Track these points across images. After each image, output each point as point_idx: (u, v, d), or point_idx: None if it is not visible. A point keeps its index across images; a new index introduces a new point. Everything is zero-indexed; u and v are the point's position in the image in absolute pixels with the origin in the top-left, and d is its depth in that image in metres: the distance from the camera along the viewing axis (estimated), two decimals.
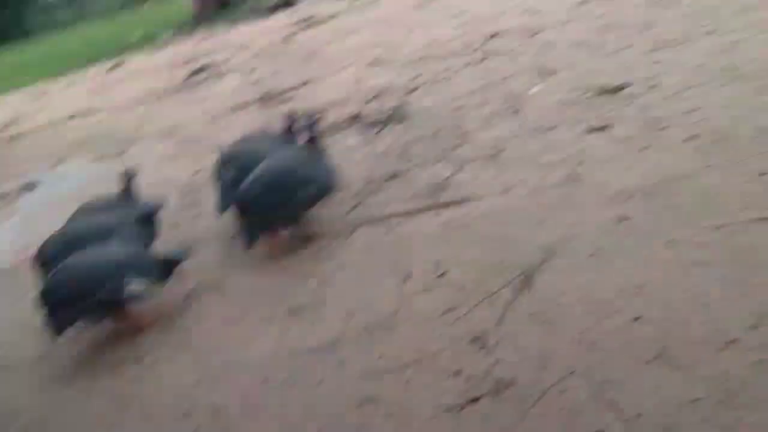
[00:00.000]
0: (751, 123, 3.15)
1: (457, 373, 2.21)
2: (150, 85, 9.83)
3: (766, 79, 3.52)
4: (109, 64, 12.90)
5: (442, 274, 2.78)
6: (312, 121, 3.41)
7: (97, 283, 2.92)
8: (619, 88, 4.04)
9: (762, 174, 2.75)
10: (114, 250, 3.06)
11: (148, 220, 3.51)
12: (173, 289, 3.25)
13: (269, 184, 3.20)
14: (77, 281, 2.94)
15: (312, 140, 3.40)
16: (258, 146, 3.75)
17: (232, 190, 3.46)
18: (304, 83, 6.86)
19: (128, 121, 7.77)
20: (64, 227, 3.53)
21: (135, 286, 2.98)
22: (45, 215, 5.29)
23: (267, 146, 3.68)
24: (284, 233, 3.48)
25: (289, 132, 3.79)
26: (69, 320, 2.98)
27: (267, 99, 6.72)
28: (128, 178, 3.63)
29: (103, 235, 3.18)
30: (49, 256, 3.25)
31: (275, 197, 3.18)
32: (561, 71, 4.65)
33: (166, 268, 3.13)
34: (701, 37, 4.39)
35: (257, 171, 3.26)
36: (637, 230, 2.66)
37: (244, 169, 3.39)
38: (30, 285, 3.37)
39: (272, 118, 5.90)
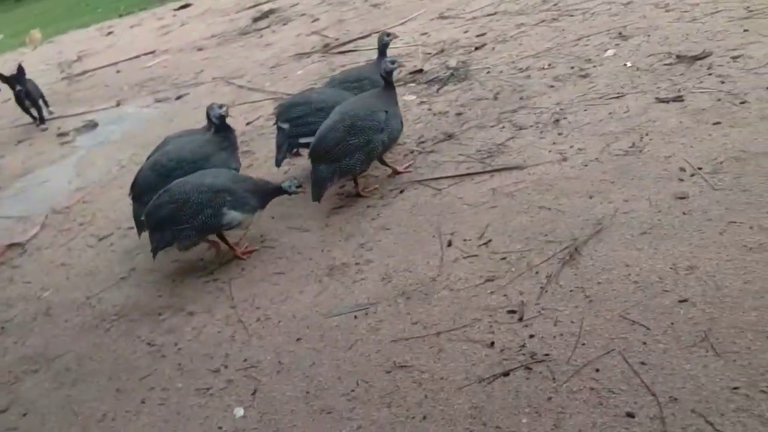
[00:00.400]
0: None
1: (491, 344, 2.21)
2: (215, 28, 9.92)
3: None
4: (177, 3, 13.04)
5: (487, 243, 2.74)
6: (390, 69, 3.37)
7: (197, 210, 3.05)
8: (699, 57, 3.78)
9: None
10: (215, 179, 3.15)
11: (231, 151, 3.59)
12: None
13: (346, 129, 3.23)
14: (177, 206, 3.08)
15: (387, 86, 3.39)
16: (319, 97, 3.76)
17: (291, 143, 3.65)
18: (368, 34, 6.75)
19: (190, 65, 7.90)
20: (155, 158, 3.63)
21: (232, 215, 3.10)
22: (102, 156, 5.51)
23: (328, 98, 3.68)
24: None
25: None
26: (167, 241, 3.17)
27: (330, 48, 6.66)
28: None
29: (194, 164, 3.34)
30: (143, 186, 3.44)
31: (350, 144, 3.21)
32: (638, 35, 4.37)
33: (266, 198, 3.23)
34: None
35: (332, 118, 3.31)
36: (696, 210, 2.53)
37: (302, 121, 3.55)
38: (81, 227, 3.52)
39: (333, 68, 5.89)
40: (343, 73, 4.13)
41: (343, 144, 3.21)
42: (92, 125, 6.41)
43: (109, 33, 12.63)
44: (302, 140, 3.64)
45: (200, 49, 8.67)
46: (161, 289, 3.24)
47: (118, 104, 6.99)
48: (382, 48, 3.82)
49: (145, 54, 9.32)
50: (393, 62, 3.37)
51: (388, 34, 3.90)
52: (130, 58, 9.31)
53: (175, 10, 13.06)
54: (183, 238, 3.14)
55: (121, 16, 14.77)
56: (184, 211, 3.06)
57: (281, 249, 3.22)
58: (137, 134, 5.76)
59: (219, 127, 3.52)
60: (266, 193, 3.24)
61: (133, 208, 3.53)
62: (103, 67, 9.27)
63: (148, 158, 3.77)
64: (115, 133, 5.98)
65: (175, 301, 3.11)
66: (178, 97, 6.53)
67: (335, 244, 3.11)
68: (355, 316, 2.57)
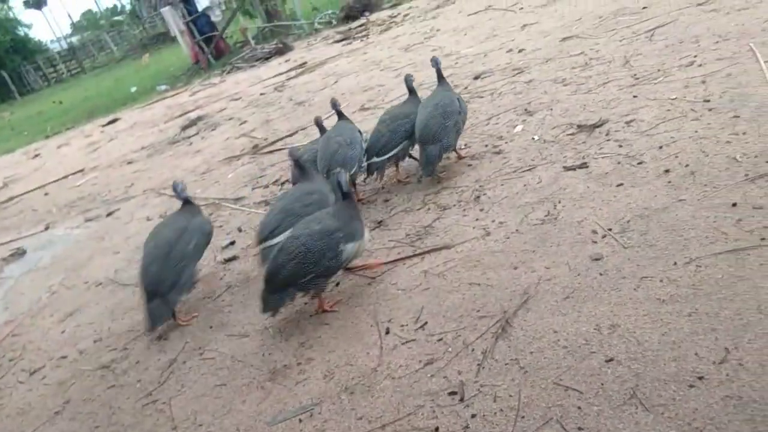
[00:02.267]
0: (722, 154, 3.19)
1: (436, 430, 2.21)
2: (144, 140, 10.03)
3: (737, 111, 3.57)
4: (104, 119, 13.14)
5: (423, 326, 2.80)
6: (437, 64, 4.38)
7: (319, 257, 3.06)
8: (597, 125, 4.10)
9: (733, 205, 2.78)
10: (323, 223, 3.14)
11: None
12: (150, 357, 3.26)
13: (440, 115, 4.03)
14: (299, 261, 3.05)
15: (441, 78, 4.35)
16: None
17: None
18: (295, 131, 6.98)
19: (120, 179, 7.90)
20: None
21: (348, 248, 3.12)
22: (31, 284, 5.35)
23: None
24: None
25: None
26: (291, 297, 3.16)
27: (259, 149, 6.82)
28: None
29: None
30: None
31: (446, 126, 4.02)
32: (542, 110, 4.72)
33: (356, 211, 3.27)
34: (677, 71, 4.46)
35: (426, 112, 4.12)
36: (611, 269, 2.68)
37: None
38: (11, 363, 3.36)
39: (263, 168, 6.02)
40: (388, 111, 4.61)
41: (442, 126, 3.97)
42: (20, 253, 6.23)
43: (36, 155, 12.54)
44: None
45: (130, 163, 8.71)
46: (98, 419, 3.09)
47: (46, 228, 6.86)
48: (410, 86, 4.49)
49: (74, 173, 9.28)
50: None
51: (411, 75, 4.58)
52: (59, 179, 9.24)
53: (102, 126, 13.15)
54: (312, 286, 3.14)
55: (47, 137, 14.72)
56: (306, 262, 3.04)
57: (221, 359, 3.16)
58: (67, 257, 5.64)
59: (185, 201, 3.90)
60: (351, 206, 3.24)
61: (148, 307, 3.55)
62: (31, 191, 9.14)
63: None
64: (45, 258, 5.83)
65: (114, 430, 2.97)
66: (109, 214, 6.48)
67: (276, 346, 3.09)
68: (300, 420, 2.53)
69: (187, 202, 3.90)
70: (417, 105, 4.34)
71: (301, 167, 3.84)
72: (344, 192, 3.18)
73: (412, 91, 4.47)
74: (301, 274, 3.06)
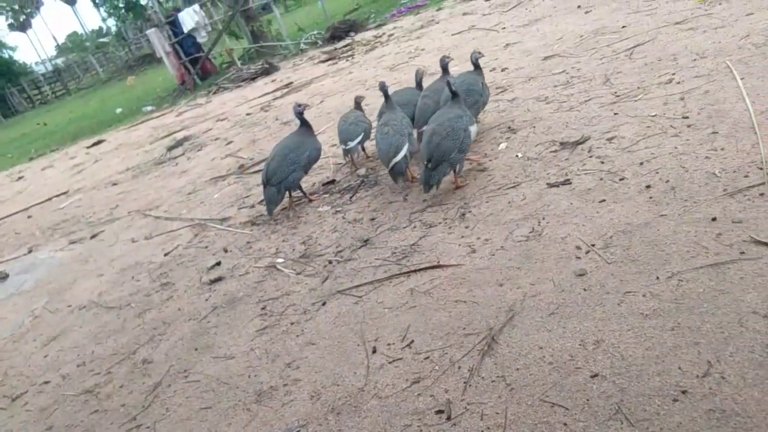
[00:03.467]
0: (702, 170, 3.25)
1: None
2: (129, 161, 9.99)
3: (715, 127, 3.64)
4: (89, 141, 13.09)
5: (409, 344, 2.79)
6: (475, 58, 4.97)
7: (461, 135, 3.99)
8: (579, 142, 4.15)
9: (713, 219, 2.82)
10: (458, 110, 4.15)
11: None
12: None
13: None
14: (450, 139, 3.95)
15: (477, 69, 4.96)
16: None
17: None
18: None
19: (105, 201, 7.85)
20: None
21: (473, 129, 4.10)
22: (13, 309, 5.28)
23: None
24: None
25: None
26: (444, 172, 4.02)
27: (245, 169, 6.82)
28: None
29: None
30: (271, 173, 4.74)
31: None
32: (525, 127, 4.78)
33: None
34: (656, 88, 4.54)
35: (466, 83, 4.75)
36: (594, 285, 2.70)
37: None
38: None
39: (249, 188, 6.02)
40: (429, 87, 5.14)
41: (465, 101, 4.47)
42: (2, 276, 6.15)
43: (20, 178, 12.44)
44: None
45: (115, 184, 8.67)
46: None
47: (29, 251, 6.78)
48: (445, 67, 4.94)
49: (58, 195, 9.21)
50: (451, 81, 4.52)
51: (447, 56, 5.02)
52: (42, 201, 9.17)
53: (87, 147, 13.10)
54: (456, 162, 4.00)
55: (31, 159, 14.63)
56: (455, 140, 3.93)
57: (206, 381, 3.13)
58: (51, 280, 5.58)
59: (302, 122, 4.76)
60: (461, 103, 4.21)
61: (267, 191, 4.78)
62: (14, 213, 9.05)
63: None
64: (27, 282, 5.76)
65: None
66: (93, 236, 6.42)
67: (262, 367, 3.07)
68: None
69: (304, 123, 4.82)
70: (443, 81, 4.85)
71: (387, 97, 4.70)
72: (453, 92, 4.22)
73: (445, 69, 4.95)
74: (450, 150, 3.93)
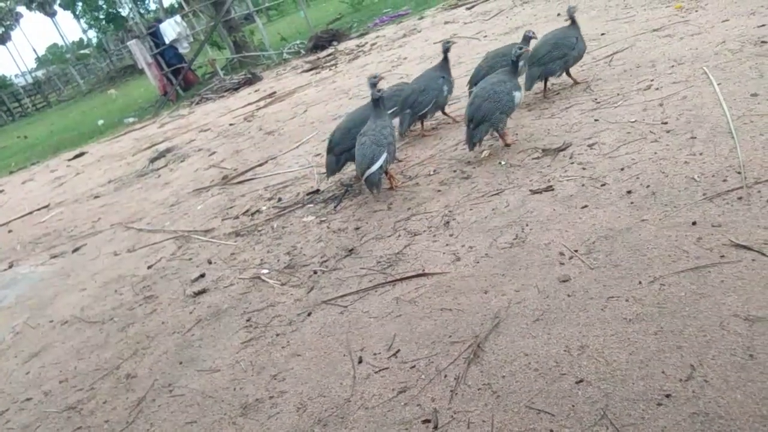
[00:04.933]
0: (681, 175, 3.29)
1: None
2: (112, 173, 9.90)
3: (693, 132, 3.69)
4: (71, 153, 12.96)
5: (395, 353, 2.79)
6: (571, 12, 5.21)
7: (502, 98, 4.33)
8: (561, 149, 4.19)
9: (693, 223, 2.85)
10: (501, 76, 4.47)
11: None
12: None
13: (551, 46, 5.06)
14: (491, 101, 4.31)
15: (573, 23, 5.19)
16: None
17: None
18: (265, 161, 6.97)
19: (87, 214, 7.77)
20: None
21: (517, 95, 4.42)
22: None
23: None
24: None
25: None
26: (485, 131, 4.38)
27: (228, 180, 6.79)
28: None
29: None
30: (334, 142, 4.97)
31: (553, 54, 5.04)
32: (508, 134, 4.80)
33: (516, 75, 4.57)
34: (635, 95, 4.60)
35: (543, 40, 5.18)
36: (578, 290, 2.72)
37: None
38: None
39: (233, 198, 6.00)
40: (488, 53, 5.63)
41: (549, 55, 4.99)
42: None
43: (1, 191, 12.25)
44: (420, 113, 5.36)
45: (97, 197, 8.58)
46: None
47: (10, 266, 6.68)
48: (526, 38, 5.09)
49: (39, 209, 9.09)
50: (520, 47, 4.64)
51: (531, 30, 5.18)
52: (23, 215, 9.05)
53: (68, 160, 12.97)
54: (497, 122, 4.35)
55: (11, 172, 14.45)
56: (496, 102, 4.27)
57: (191, 395, 3.09)
58: (32, 296, 5.49)
59: (376, 102, 4.67)
60: (515, 72, 4.48)
61: (328, 158, 5.00)
62: None
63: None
64: (8, 297, 5.67)
65: None
66: (75, 250, 6.35)
67: (247, 380, 3.04)
68: None
69: (377, 101, 4.77)
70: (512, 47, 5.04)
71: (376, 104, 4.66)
72: (515, 62, 4.47)
73: (526, 39, 5.17)
74: (490, 111, 4.27)
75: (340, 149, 4.92)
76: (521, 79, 4.92)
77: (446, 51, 5.39)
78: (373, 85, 4.72)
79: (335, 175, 5.14)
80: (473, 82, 5.34)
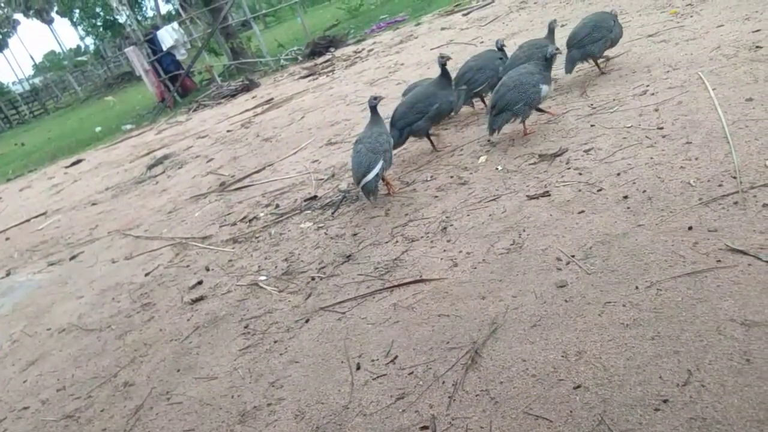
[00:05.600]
0: (677, 180, 3.30)
1: None
2: (109, 180, 9.90)
3: (689, 137, 3.71)
4: (68, 160, 12.96)
5: (393, 360, 2.79)
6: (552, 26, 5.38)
7: (527, 89, 4.47)
8: (557, 154, 4.20)
9: (690, 228, 2.86)
10: (531, 67, 4.61)
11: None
12: None
13: (590, 28, 5.21)
14: (516, 90, 4.46)
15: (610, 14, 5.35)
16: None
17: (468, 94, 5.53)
18: (263, 168, 6.98)
19: (84, 221, 7.76)
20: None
21: (544, 88, 4.57)
22: None
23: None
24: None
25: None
26: (506, 119, 4.56)
27: (226, 186, 6.79)
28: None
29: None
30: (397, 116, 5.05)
31: (594, 36, 5.16)
32: (504, 140, 4.82)
33: (550, 71, 4.72)
34: (631, 100, 4.62)
35: (582, 24, 5.30)
36: (575, 296, 2.72)
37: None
38: None
39: (230, 205, 6.00)
40: (524, 44, 5.62)
41: (589, 36, 5.14)
42: None
43: None
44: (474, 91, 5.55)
45: (94, 204, 8.58)
46: None
47: (7, 274, 6.67)
48: (551, 29, 5.43)
49: (36, 216, 9.09)
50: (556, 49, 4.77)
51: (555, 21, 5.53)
52: (20, 223, 9.03)
53: (66, 167, 12.96)
54: (519, 113, 4.50)
55: (9, 180, 14.44)
56: (521, 93, 4.42)
57: (189, 403, 3.09)
58: (29, 303, 5.48)
59: (443, 72, 4.97)
60: (548, 66, 4.61)
61: (391, 132, 4.92)
62: None
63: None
64: (5, 306, 5.66)
65: None
66: (72, 257, 6.34)
67: (245, 387, 3.04)
68: None
69: (444, 74, 5.03)
70: (551, 41, 5.29)
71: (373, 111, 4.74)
72: (548, 59, 4.64)
73: (551, 31, 5.41)
74: (514, 101, 4.43)
75: (403, 123, 5.02)
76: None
77: (502, 47, 5.65)
78: (373, 108, 4.69)
79: (398, 148, 5.24)
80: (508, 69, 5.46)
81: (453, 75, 5.29)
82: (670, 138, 3.79)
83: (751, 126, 3.54)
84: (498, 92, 4.55)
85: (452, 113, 5.34)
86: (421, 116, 4.98)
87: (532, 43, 5.51)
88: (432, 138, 5.27)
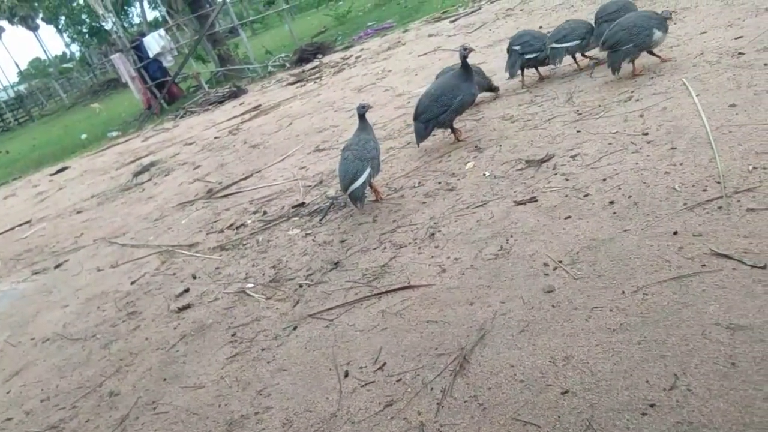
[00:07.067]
0: (662, 185, 3.33)
1: None
2: (95, 188, 9.81)
3: (673, 143, 3.74)
4: (53, 168, 12.84)
5: (381, 366, 2.78)
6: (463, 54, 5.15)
7: (641, 31, 4.82)
8: (544, 160, 4.22)
9: (675, 233, 2.88)
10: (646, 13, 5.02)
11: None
12: None
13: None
14: (628, 31, 4.86)
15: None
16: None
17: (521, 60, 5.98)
18: (250, 174, 6.96)
19: (69, 229, 7.69)
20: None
21: (658, 34, 4.85)
22: None
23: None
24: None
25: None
26: (622, 55, 4.98)
27: (213, 193, 6.76)
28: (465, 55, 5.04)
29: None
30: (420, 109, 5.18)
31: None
32: (492, 146, 4.85)
33: None
34: (616, 106, 4.66)
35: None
36: (563, 301, 2.73)
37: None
38: None
39: (218, 212, 5.96)
40: (566, 21, 6.00)
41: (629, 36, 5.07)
42: None
43: None
44: (528, 56, 5.89)
45: (79, 212, 8.50)
46: None
47: None
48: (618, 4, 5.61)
49: (20, 225, 8.98)
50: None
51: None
52: (4, 231, 8.93)
53: (51, 175, 12.84)
54: (629, 54, 4.91)
55: None
56: (632, 33, 4.78)
57: (176, 413, 3.06)
58: (12, 313, 5.41)
59: (464, 65, 5.04)
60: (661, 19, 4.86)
61: (416, 125, 5.21)
62: None
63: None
64: None
65: None
66: (57, 266, 6.27)
67: (232, 396, 3.01)
68: None
69: (465, 66, 5.04)
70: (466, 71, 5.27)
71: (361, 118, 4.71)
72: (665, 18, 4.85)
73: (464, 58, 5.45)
74: (624, 41, 4.83)
75: (426, 117, 5.11)
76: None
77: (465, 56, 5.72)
78: (362, 115, 4.68)
79: (425, 141, 5.31)
80: (598, 16, 5.64)
81: (474, 66, 5.52)
82: (655, 144, 3.82)
83: (735, 131, 3.58)
84: (611, 30, 4.91)
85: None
86: (445, 109, 5.06)
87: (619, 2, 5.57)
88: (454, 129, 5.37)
